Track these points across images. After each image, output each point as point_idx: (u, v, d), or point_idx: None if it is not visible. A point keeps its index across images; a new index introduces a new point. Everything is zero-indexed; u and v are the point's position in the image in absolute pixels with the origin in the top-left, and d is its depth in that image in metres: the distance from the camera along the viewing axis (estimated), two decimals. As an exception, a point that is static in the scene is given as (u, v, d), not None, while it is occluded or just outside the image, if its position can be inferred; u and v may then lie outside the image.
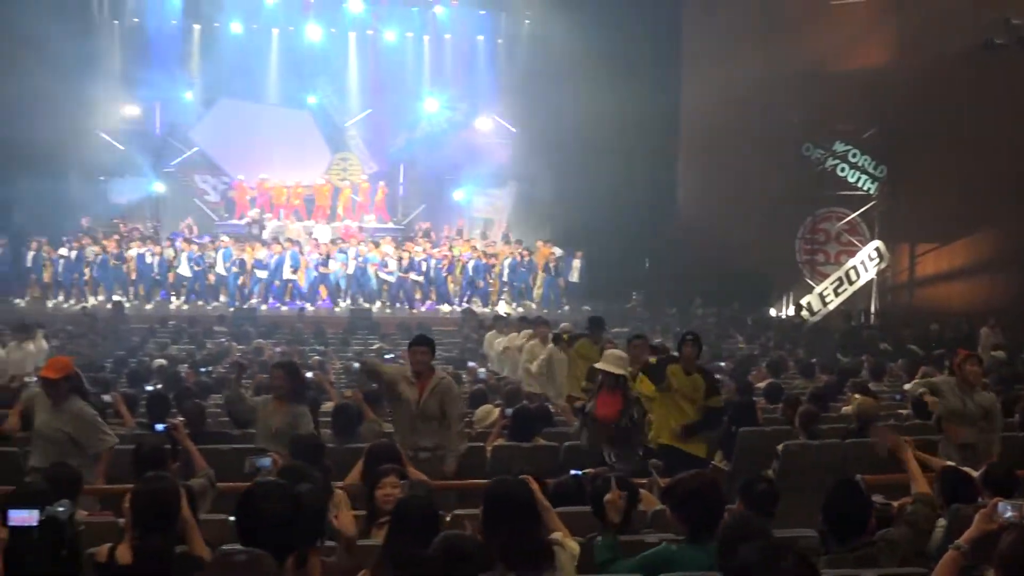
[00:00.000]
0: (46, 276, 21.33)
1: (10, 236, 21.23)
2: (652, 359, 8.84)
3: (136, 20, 24.65)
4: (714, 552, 4.20)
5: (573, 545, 4.34)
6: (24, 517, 2.99)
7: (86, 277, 21.28)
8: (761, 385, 11.45)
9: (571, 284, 22.56)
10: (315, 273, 21.65)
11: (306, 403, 7.76)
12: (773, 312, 23.04)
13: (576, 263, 22.56)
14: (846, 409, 9.78)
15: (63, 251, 21.19)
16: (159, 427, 6.49)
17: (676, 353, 8.70)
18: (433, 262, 22.05)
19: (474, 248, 22.70)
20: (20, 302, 20.64)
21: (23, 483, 5.16)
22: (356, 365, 13.83)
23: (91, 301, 20.52)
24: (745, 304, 22.20)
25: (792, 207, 22.73)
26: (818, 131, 22.32)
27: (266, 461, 5.21)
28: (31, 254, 21.09)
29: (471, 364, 13.86)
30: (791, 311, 22.67)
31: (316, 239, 22.90)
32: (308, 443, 6.05)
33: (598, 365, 8.11)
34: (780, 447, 7.65)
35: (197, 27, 24.88)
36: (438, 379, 7.56)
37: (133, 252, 21.42)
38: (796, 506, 5.30)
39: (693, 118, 23.45)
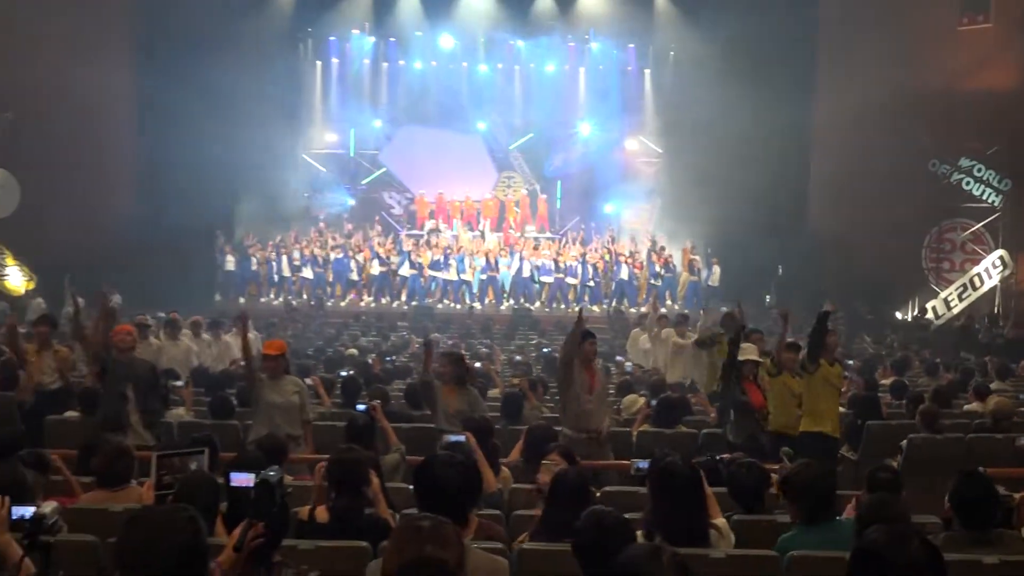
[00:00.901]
0: (262, 277, 22.35)
1: (233, 244, 22.32)
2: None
3: (335, 60, 25.47)
4: (831, 531, 4.13)
5: (724, 526, 4.25)
6: (243, 479, 3.15)
7: (293, 277, 22.18)
8: (886, 382, 11.02)
9: (711, 288, 22.20)
10: (483, 276, 22.00)
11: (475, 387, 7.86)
12: (899, 315, 22.01)
13: (716, 269, 22.19)
14: (968, 406, 9.32)
15: (273, 255, 22.21)
16: (360, 407, 6.68)
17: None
18: (590, 267, 22.08)
19: (621, 254, 22.59)
20: (242, 299, 21.68)
21: (243, 451, 5.43)
22: (517, 358, 13.98)
23: (296, 299, 21.34)
24: (873, 308, 21.31)
25: (919, 218, 21.63)
26: (945, 148, 21.17)
27: (459, 438, 5.26)
28: (253, 259, 22.15)
29: (619, 358, 13.80)
30: (917, 314, 21.67)
31: (484, 246, 23.22)
32: (479, 424, 6.13)
33: (743, 357, 7.95)
34: (905, 440, 7.34)
35: (385, 65, 25.52)
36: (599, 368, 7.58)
37: (331, 257, 22.24)
38: (919, 495, 5.07)
39: (825, 136, 22.62)
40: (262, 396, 7.02)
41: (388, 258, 22.15)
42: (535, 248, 22.84)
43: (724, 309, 19.64)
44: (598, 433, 7.14)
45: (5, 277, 20.15)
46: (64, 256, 19.33)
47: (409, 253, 22.31)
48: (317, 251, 22.31)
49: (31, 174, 19.94)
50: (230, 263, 21.95)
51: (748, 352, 7.98)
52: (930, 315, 21.28)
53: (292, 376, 7.36)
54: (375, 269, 22.03)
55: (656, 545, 2.58)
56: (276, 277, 22.12)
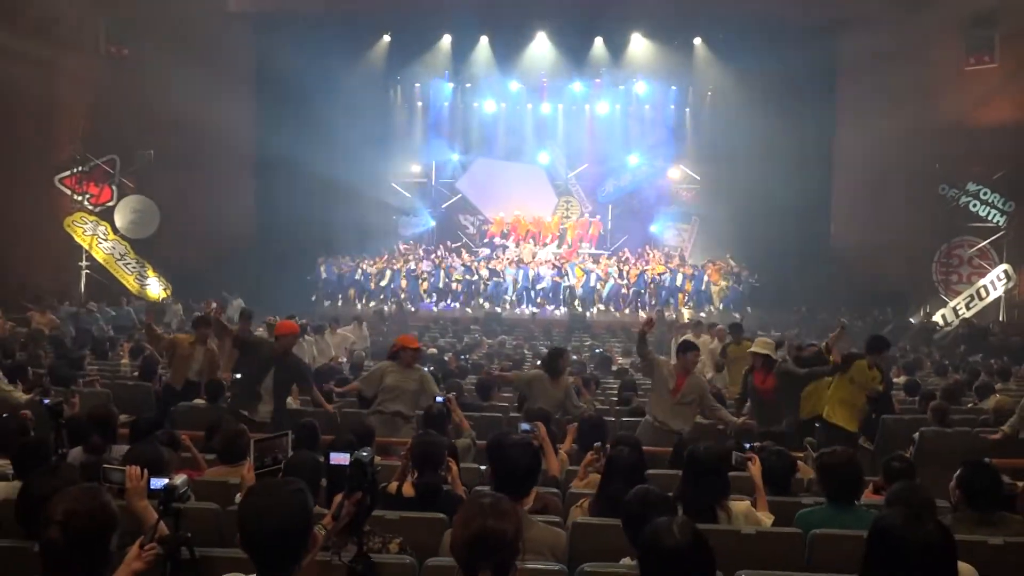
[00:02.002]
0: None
1: (329, 257, 22.55)
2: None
3: (420, 103, 25.71)
4: (851, 513, 4.01)
5: (742, 510, 4.16)
6: (340, 458, 3.19)
7: (382, 285, 22.31)
8: (899, 380, 10.72)
9: (742, 296, 21.88)
10: (542, 286, 21.90)
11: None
12: (913, 321, 21.39)
13: (747, 279, 21.86)
14: (978, 404, 9.03)
15: (364, 266, 22.41)
16: (439, 399, 6.73)
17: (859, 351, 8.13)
18: (648, 279, 21.87)
19: (663, 267, 22.37)
20: (339, 303, 21.83)
21: (340, 434, 5.50)
22: (574, 357, 13.91)
23: (386, 306, 21.50)
24: (889, 314, 20.75)
25: (930, 236, 21.04)
26: (953, 173, 20.55)
27: (528, 426, 5.25)
28: (359, 270, 22.30)
29: (662, 358, 13.61)
30: (922, 319, 21.04)
31: (541, 259, 23.17)
32: (538, 413, 6.13)
33: (752, 349, 8.01)
34: (917, 433, 7.14)
35: (461, 107, 25.73)
36: (694, 377, 7.35)
37: (421, 272, 22.39)
38: (930, 482, 4.91)
39: (845, 164, 22.14)
40: (387, 381, 7.17)
41: (471, 267, 22.23)
42: (595, 262, 22.74)
43: (736, 314, 19.52)
44: (677, 434, 6.82)
45: (147, 286, 20.82)
46: (193, 268, 19.94)
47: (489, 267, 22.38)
48: (408, 265, 22.46)
49: (168, 201, 20.61)
50: (325, 272, 22.28)
51: (757, 345, 8.01)
52: (940, 321, 20.66)
53: (419, 368, 7.49)
54: (460, 277, 22.13)
55: (674, 518, 2.56)
56: (372, 286, 22.25)
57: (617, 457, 4.26)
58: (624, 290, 21.97)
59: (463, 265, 22.38)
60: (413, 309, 21.27)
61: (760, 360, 7.83)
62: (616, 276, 21.97)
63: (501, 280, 21.97)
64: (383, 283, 22.22)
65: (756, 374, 7.82)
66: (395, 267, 22.46)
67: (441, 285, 22.19)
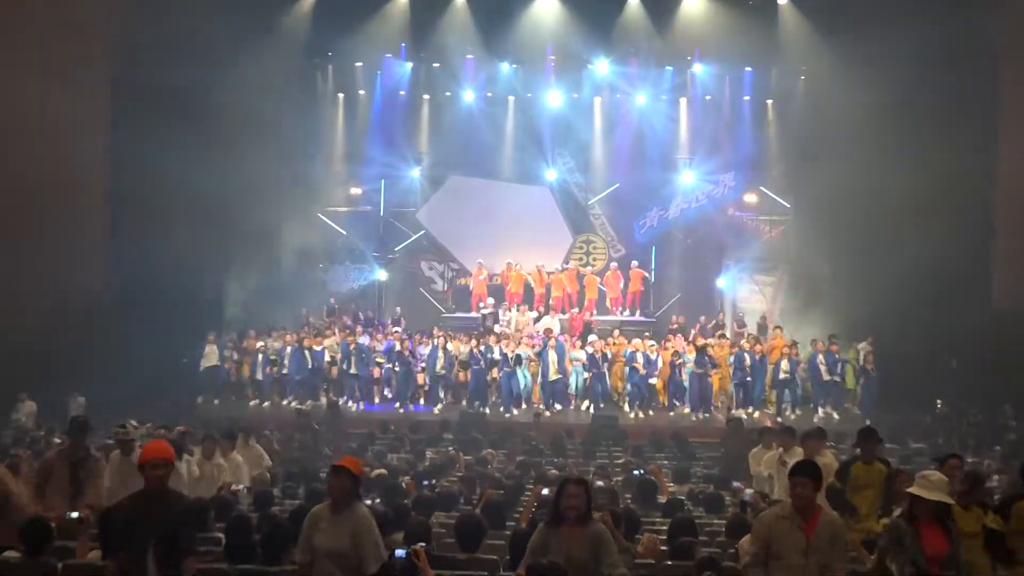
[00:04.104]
0: (246, 371, 21.92)
1: (218, 332, 22.14)
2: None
3: (362, 92, 26.03)
4: None
5: None
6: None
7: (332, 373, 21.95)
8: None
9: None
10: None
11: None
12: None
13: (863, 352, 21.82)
14: None
15: (276, 345, 21.93)
16: (400, 552, 6.59)
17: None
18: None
19: (741, 346, 22.19)
20: (211, 400, 21.41)
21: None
22: (599, 483, 13.75)
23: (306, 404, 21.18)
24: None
25: None
26: None
27: None
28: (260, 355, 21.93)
29: (736, 484, 13.50)
30: None
31: (545, 332, 23.01)
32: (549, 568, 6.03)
33: (913, 490, 7.75)
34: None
35: (426, 97, 26.04)
36: (828, 516, 7.06)
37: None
38: None
39: (1014, 189, 22.21)
40: (316, 540, 6.59)
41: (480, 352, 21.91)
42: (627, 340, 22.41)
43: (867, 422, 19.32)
44: None
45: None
46: (11, 348, 19.69)
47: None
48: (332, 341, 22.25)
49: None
50: (211, 357, 21.85)
51: (920, 486, 7.75)
52: None
53: (359, 509, 6.71)
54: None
55: None
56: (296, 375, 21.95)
57: None
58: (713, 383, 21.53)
59: (474, 349, 21.81)
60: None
61: (924, 508, 7.56)
62: (694, 363, 21.25)
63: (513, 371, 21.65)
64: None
65: (926, 529, 7.56)
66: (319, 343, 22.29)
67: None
